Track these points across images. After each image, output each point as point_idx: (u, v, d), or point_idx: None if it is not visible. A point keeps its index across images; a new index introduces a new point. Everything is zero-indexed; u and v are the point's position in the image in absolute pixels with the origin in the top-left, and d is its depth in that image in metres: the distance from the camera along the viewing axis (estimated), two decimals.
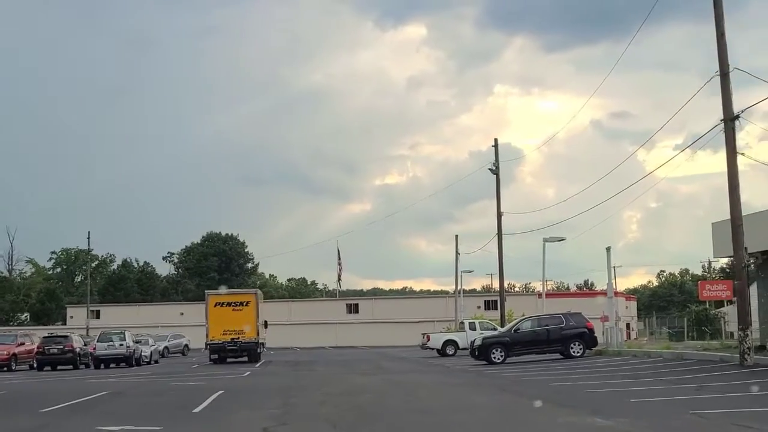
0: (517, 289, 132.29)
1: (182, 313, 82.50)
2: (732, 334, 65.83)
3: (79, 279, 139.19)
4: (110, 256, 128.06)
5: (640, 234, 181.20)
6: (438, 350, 49.07)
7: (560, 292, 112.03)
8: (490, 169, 52.11)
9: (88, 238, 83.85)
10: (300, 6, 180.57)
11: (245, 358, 46.44)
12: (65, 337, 46.83)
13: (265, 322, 52.93)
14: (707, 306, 71.52)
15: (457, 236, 65.58)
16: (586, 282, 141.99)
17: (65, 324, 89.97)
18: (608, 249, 39.69)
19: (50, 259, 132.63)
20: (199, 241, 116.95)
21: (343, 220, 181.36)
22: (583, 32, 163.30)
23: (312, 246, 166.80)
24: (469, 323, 50.32)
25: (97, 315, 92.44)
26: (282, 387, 25.65)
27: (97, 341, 46.00)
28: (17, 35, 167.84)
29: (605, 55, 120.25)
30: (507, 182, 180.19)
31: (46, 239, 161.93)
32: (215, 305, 46.16)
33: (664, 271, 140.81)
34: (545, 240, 47.48)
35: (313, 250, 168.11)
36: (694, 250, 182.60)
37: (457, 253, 64.55)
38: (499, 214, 51.79)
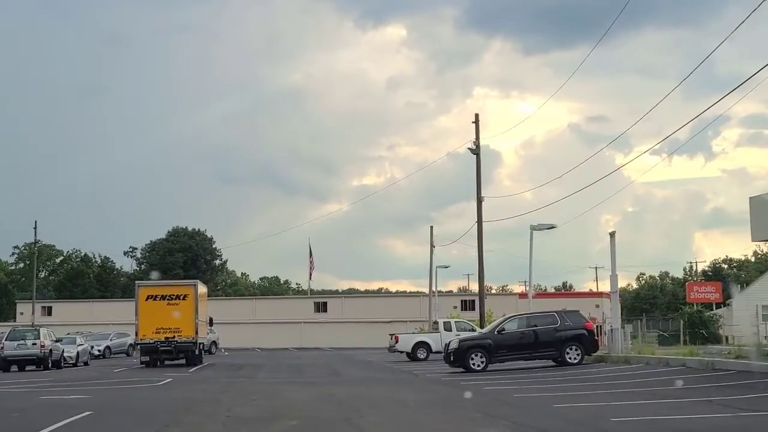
0: (494, 291, 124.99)
1: None
2: (728, 338, 59.61)
3: (43, 275, 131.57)
4: (76, 251, 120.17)
5: (617, 237, 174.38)
6: (408, 353, 41.53)
7: (541, 293, 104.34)
8: (469, 148, 44.77)
9: (35, 228, 76.02)
10: (278, 5, 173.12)
11: (183, 360, 38.81)
12: None
13: (210, 319, 45.39)
14: (700, 308, 65.42)
15: (432, 227, 58.22)
16: (564, 284, 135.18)
17: (15, 321, 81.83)
18: (612, 234, 32.21)
19: (13, 254, 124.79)
20: (164, 237, 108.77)
21: (319, 221, 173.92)
22: (560, 36, 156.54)
23: (285, 245, 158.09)
24: (444, 323, 42.71)
25: (49, 312, 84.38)
26: (180, 405, 18.17)
27: (6, 339, 38.12)
28: None
29: (582, 58, 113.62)
30: (484, 183, 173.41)
31: (13, 235, 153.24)
32: (147, 298, 38.49)
33: (644, 274, 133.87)
34: (533, 228, 40.00)
35: (288, 249, 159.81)
36: (671, 254, 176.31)
37: (432, 245, 57.02)
38: (479, 199, 44.39)
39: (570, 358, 29.27)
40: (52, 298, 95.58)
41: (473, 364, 29.06)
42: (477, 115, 45.08)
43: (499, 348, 29.59)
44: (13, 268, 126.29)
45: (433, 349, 40.95)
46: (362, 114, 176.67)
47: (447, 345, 30.58)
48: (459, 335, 38.37)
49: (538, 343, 29.60)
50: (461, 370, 29.28)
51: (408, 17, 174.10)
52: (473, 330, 40.89)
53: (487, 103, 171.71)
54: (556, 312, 30.88)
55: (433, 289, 59.05)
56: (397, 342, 42.01)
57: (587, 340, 30.00)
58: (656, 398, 17.42)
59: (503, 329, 30.11)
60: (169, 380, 27.16)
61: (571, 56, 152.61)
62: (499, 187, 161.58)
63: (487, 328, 32.80)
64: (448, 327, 41.82)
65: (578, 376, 24.53)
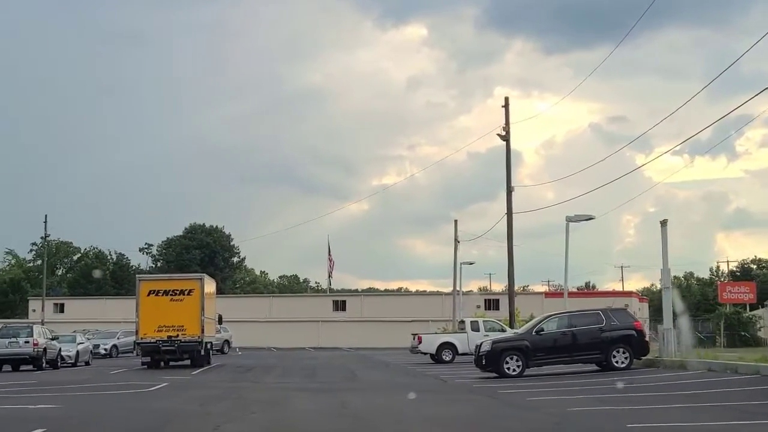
0: (516, 291, 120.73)
1: None
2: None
3: (60, 272, 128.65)
4: (93, 249, 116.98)
5: (637, 238, 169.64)
6: (432, 355, 37.71)
7: (562, 292, 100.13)
8: (498, 134, 40.91)
9: (45, 222, 72.56)
10: (297, 4, 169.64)
11: (188, 361, 35.15)
12: None
13: (220, 316, 41.67)
14: (738, 309, 61.79)
15: (456, 221, 54.35)
16: (587, 284, 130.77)
17: (27, 317, 78.54)
18: (664, 223, 28.17)
19: (30, 251, 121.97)
20: (181, 233, 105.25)
21: (338, 220, 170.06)
22: (581, 36, 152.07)
23: (304, 244, 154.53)
24: (471, 322, 38.78)
25: (61, 309, 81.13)
26: (159, 419, 14.53)
27: None
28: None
29: (602, 58, 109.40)
30: (504, 183, 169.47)
31: (30, 232, 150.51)
32: (149, 293, 34.77)
33: None
34: (569, 219, 36.09)
35: (307, 248, 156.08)
36: (693, 255, 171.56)
37: (456, 241, 53.20)
38: (509, 189, 40.49)
39: (617, 362, 25.41)
40: (64, 295, 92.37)
41: (508, 369, 25.27)
42: (507, 99, 41.38)
43: (537, 350, 25.77)
44: (30, 265, 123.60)
45: (460, 350, 37.17)
46: (382, 113, 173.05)
47: (478, 347, 26.71)
48: (488, 336, 34.75)
49: (580, 344, 25.74)
50: (494, 375, 25.53)
51: (428, 17, 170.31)
52: (503, 330, 37.15)
53: (509, 102, 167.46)
54: (600, 310, 26.98)
55: (457, 286, 55.16)
56: (420, 342, 38.16)
57: (636, 342, 26.07)
58: (756, 417, 13.59)
59: (542, 329, 26.24)
60: (162, 385, 23.50)
61: (592, 56, 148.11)
62: (520, 187, 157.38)
63: (523, 329, 28.93)
64: (475, 327, 37.98)
65: (634, 384, 20.69)
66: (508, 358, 25.44)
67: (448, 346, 37.62)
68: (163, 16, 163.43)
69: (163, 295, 34.65)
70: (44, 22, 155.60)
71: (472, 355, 36.36)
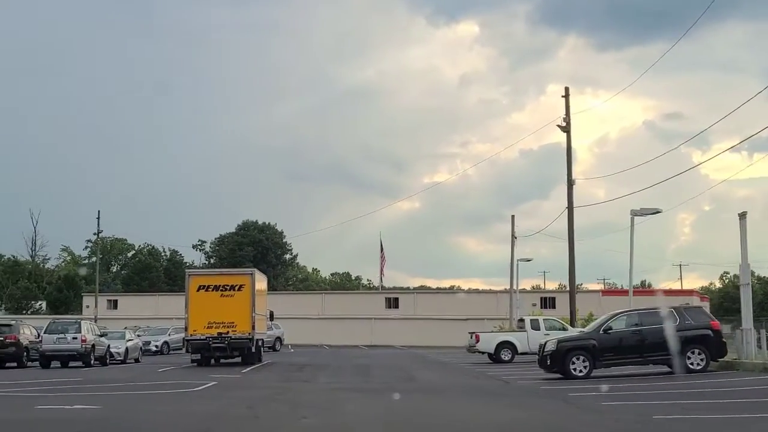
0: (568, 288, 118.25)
1: None
2: None
3: (115, 269, 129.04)
4: (147, 246, 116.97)
5: (693, 236, 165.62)
6: (490, 354, 36.08)
7: (618, 290, 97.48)
8: (559, 126, 39.19)
9: (98, 218, 72.02)
10: (349, 2, 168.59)
11: (238, 359, 33.94)
12: (7, 326, 34.68)
13: (271, 313, 40.43)
14: None
15: (513, 216, 52.44)
16: (642, 282, 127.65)
17: (81, 313, 78.29)
18: (743, 215, 26.10)
19: (85, 248, 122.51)
20: (233, 230, 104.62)
21: (390, 218, 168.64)
22: (635, 31, 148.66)
23: (356, 241, 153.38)
24: (531, 320, 37.03)
25: (115, 305, 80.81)
26: (201, 425, 13.10)
27: (45, 332, 33.64)
28: (61, 27, 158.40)
29: (660, 54, 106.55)
30: (558, 180, 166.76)
31: (86, 229, 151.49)
32: (198, 289, 33.61)
33: (728, 273, 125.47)
34: (634, 213, 34.08)
35: (359, 246, 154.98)
36: (754, 253, 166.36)
37: (513, 236, 51.34)
38: (570, 182, 38.66)
39: (693, 364, 23.59)
40: (118, 292, 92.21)
41: (574, 370, 23.63)
42: (567, 89, 39.87)
43: (605, 350, 24.06)
44: (86, 262, 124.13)
45: (519, 350, 35.50)
46: (434, 111, 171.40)
47: (542, 346, 25.05)
48: (548, 335, 33.11)
49: (652, 344, 23.93)
50: (559, 376, 23.90)
51: (480, 14, 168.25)
52: (564, 329, 35.43)
53: (561, 100, 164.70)
54: (674, 308, 25.10)
55: (514, 284, 53.30)
56: (478, 341, 36.50)
57: (713, 343, 24.19)
58: None
59: (610, 328, 24.51)
60: (210, 384, 22.19)
61: (646, 52, 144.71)
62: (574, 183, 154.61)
63: (589, 327, 27.15)
64: (535, 325, 36.25)
65: (716, 389, 18.93)
66: (574, 359, 23.80)
67: (507, 345, 35.95)
68: (217, 16, 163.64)
69: (212, 290, 33.47)
70: (99, 22, 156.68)
71: (531, 354, 34.86)
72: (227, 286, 33.62)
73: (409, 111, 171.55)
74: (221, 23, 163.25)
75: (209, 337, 32.80)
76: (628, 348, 24.20)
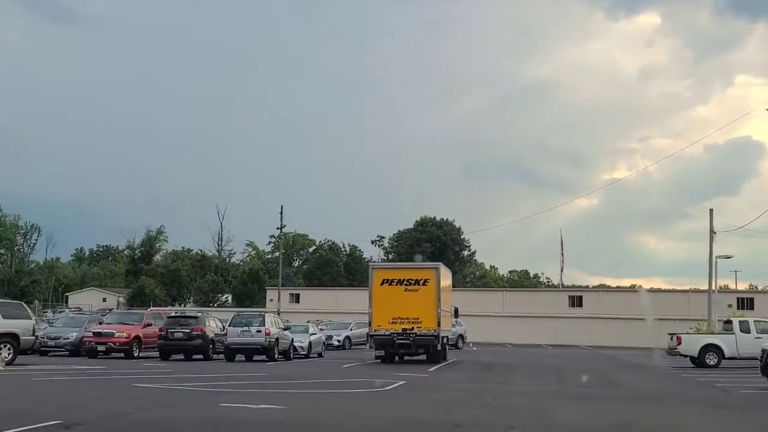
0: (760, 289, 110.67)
1: None
2: None
3: (297, 264, 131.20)
4: (328, 241, 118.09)
5: None
6: (693, 358, 32.98)
7: None
8: (767, 109, 35.38)
9: (281, 213, 72.45)
10: None
11: (423, 356, 32.38)
12: (194, 318, 34.36)
13: (455, 309, 38.73)
14: None
15: (711, 210, 48.37)
16: None
17: (265, 306, 79.31)
18: None
19: (269, 243, 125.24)
20: (411, 226, 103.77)
21: (569, 215, 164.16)
22: None
23: (534, 239, 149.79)
24: (740, 323, 33.53)
25: (297, 299, 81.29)
26: None
27: (229, 325, 33.11)
28: (232, 27, 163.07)
29: None
30: (744, 177, 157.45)
31: (270, 225, 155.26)
32: (382, 283, 32.21)
33: None
34: None
35: (537, 243, 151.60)
36: None
37: (711, 232, 47.45)
38: None
39: None
40: (300, 285, 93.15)
41: None
42: None
43: None
44: (269, 256, 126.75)
45: (726, 354, 32.24)
46: (612, 106, 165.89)
47: (765, 351, 22.12)
48: (760, 338, 29.98)
49: None
50: None
51: (662, 4, 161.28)
52: None
53: (751, 91, 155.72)
54: None
55: (713, 283, 49.33)
56: (679, 343, 33.43)
57: None
58: None
59: None
60: (398, 384, 20.60)
61: None
62: (764, 182, 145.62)
63: None
64: (744, 327, 32.82)
65: None
66: None
67: (713, 348, 32.72)
68: (391, 15, 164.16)
69: (397, 284, 32.03)
70: (270, 21, 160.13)
71: (740, 359, 31.69)
72: (412, 280, 32.11)
73: (586, 106, 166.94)
74: (395, 22, 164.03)
75: (394, 333, 31.38)
76: None
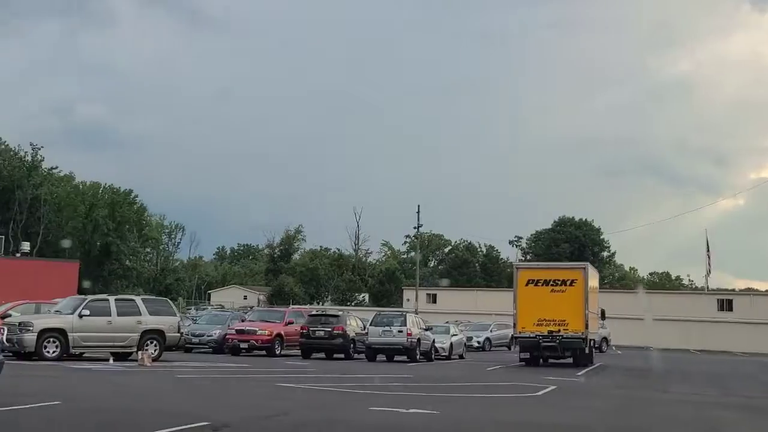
0: None
1: None
2: None
3: (432, 264, 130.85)
4: (464, 241, 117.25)
5: None
6: None
7: None
8: None
9: (418, 212, 72.16)
10: None
11: (569, 359, 31.18)
12: (335, 316, 34.12)
13: (603, 311, 37.27)
14: None
15: None
16: None
17: (402, 306, 79.13)
18: None
19: (404, 242, 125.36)
20: (549, 227, 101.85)
21: (713, 215, 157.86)
22: None
23: (676, 240, 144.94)
24: None
25: (434, 299, 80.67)
26: None
27: (371, 324, 32.68)
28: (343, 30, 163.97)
29: None
30: None
31: (405, 224, 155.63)
32: (527, 283, 31.15)
33: None
34: None
35: (679, 244, 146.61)
36: None
37: None
38: None
39: None
40: (437, 286, 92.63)
41: None
42: None
43: None
44: (404, 256, 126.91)
45: None
46: (758, 101, 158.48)
47: None
48: None
49: None
50: None
51: None
52: None
53: None
54: None
55: None
56: None
57: None
58: None
59: None
60: (550, 389, 19.64)
61: None
62: None
63: None
64: None
65: None
66: None
67: None
68: (524, 14, 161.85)
69: (542, 285, 30.92)
70: (404, 22, 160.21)
71: None
72: (558, 280, 30.94)
73: (729, 102, 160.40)
74: (523, 21, 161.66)
75: (539, 336, 30.30)
76: None
